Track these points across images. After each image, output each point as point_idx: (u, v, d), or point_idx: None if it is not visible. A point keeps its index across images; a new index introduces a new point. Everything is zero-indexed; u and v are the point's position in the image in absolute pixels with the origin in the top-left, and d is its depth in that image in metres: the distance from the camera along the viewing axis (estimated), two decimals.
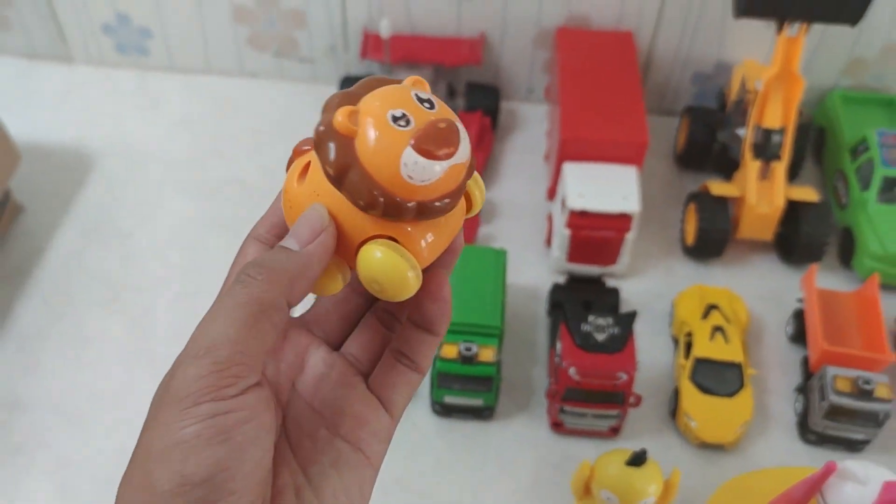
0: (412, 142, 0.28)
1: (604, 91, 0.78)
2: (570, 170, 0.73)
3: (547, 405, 0.67)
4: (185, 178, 0.86)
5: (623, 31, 0.84)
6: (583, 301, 0.70)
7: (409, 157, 0.28)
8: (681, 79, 0.89)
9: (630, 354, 0.63)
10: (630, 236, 0.73)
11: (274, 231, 0.33)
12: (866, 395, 0.63)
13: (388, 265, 0.29)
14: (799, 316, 0.73)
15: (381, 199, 0.28)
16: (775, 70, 0.73)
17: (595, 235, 0.72)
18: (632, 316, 0.64)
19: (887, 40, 0.83)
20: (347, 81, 0.86)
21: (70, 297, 0.76)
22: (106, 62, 0.95)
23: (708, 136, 0.83)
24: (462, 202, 0.32)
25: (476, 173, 0.32)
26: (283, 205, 0.32)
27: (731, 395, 0.66)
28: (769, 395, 0.70)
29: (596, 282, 0.73)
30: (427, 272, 0.31)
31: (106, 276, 0.78)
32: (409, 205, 0.29)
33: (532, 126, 0.90)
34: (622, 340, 0.63)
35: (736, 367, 0.67)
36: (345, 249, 0.30)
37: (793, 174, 0.83)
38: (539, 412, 0.68)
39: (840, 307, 0.72)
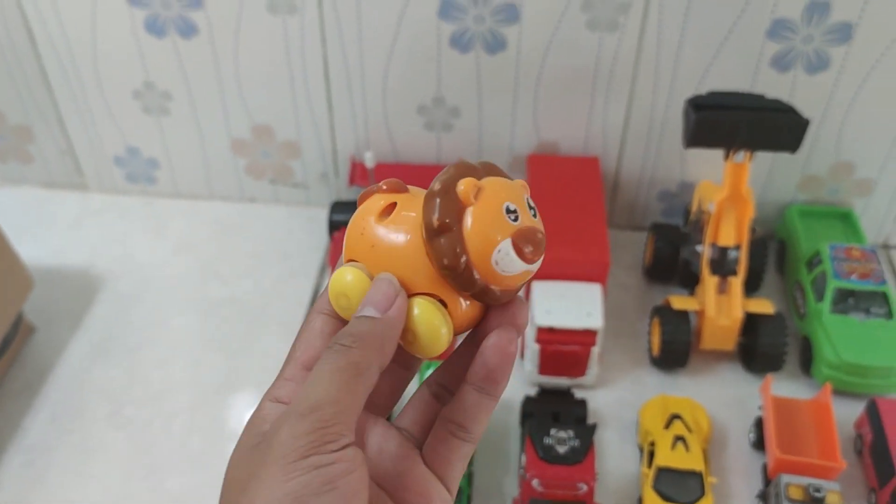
0: (513, 236, 0.31)
1: (570, 213, 0.84)
2: (538, 288, 0.79)
3: None
4: (187, 297, 0.92)
5: (590, 156, 0.91)
6: (552, 413, 0.74)
7: (506, 247, 0.31)
8: (647, 197, 0.95)
9: (590, 465, 0.67)
10: (595, 350, 0.78)
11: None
12: (818, 502, 0.66)
13: (428, 319, 0.32)
14: (760, 424, 0.76)
15: (462, 268, 0.31)
16: (726, 193, 0.79)
17: (563, 350, 0.77)
18: (592, 428, 0.69)
19: (835, 159, 0.89)
20: (338, 206, 0.94)
21: (76, 411, 0.81)
22: (117, 190, 1.03)
23: (672, 251, 0.88)
24: None
25: None
26: (352, 234, 0.34)
27: (691, 503, 0.70)
28: (732, 500, 0.73)
29: (565, 394, 0.77)
30: (498, 329, 0.34)
31: (110, 391, 0.83)
32: (479, 283, 0.32)
33: None
34: (583, 452, 0.67)
35: (697, 476, 0.71)
36: None
37: (755, 286, 0.88)
38: None
39: (797, 415, 0.75)
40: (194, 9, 0.84)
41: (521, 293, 0.35)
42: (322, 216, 0.99)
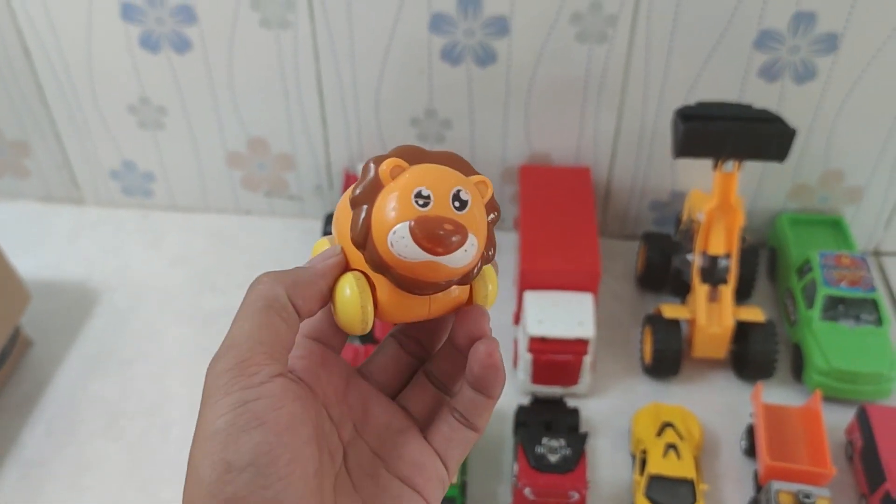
0: (412, 221, 0.31)
1: (561, 224, 0.84)
2: (530, 298, 0.80)
3: None
4: (183, 309, 0.93)
5: (581, 166, 0.92)
6: (544, 421, 0.75)
7: (401, 230, 0.31)
8: (639, 207, 0.96)
9: (581, 474, 0.67)
10: (587, 359, 0.78)
11: None
12: None
13: (350, 294, 0.33)
14: (751, 431, 0.77)
15: (364, 244, 0.32)
16: (715, 202, 0.80)
17: (555, 359, 0.78)
18: (583, 437, 0.69)
19: (825, 167, 0.90)
20: (332, 218, 0.94)
21: (72, 424, 0.82)
22: (113, 203, 1.04)
23: (664, 260, 0.89)
24: (458, 292, 0.34)
25: (491, 269, 0.35)
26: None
27: None
28: None
29: (557, 402, 0.78)
30: (479, 339, 0.34)
31: (106, 404, 0.83)
32: (381, 263, 0.32)
33: (504, 253, 0.96)
34: (574, 460, 0.68)
35: (688, 484, 0.71)
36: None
37: (746, 294, 0.89)
38: None
39: (788, 422, 0.76)
40: (188, 24, 0.85)
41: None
42: (317, 228, 1.00)
